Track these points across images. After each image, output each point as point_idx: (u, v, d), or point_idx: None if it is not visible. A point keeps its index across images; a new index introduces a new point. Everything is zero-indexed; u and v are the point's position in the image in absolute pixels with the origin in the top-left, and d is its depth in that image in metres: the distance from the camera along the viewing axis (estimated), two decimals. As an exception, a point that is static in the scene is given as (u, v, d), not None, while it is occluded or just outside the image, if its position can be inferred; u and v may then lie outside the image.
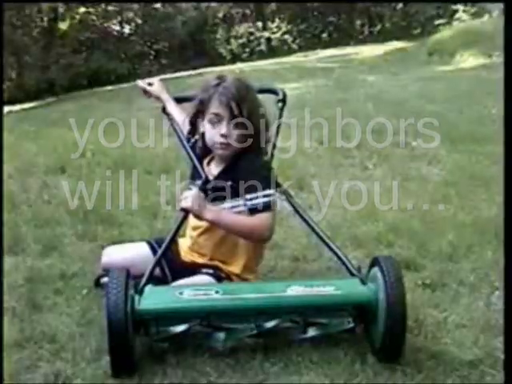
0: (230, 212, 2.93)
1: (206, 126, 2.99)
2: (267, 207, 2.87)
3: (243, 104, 2.91)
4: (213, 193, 2.99)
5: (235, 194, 2.95)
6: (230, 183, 2.96)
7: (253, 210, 2.88)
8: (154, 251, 3.10)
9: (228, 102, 2.90)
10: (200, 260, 3.09)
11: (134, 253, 3.19)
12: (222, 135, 2.92)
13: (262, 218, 2.86)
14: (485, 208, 4.44)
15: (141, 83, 3.59)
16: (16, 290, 3.32)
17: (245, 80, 3.09)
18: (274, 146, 3.21)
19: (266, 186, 2.90)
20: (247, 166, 2.96)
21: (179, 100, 3.54)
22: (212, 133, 2.96)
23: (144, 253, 3.16)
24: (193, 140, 3.18)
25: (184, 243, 3.20)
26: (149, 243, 3.21)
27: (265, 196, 2.87)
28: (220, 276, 2.98)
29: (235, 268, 3.03)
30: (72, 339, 2.83)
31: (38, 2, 20.94)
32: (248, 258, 3.04)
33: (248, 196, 2.89)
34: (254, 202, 2.87)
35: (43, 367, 2.64)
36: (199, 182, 3.04)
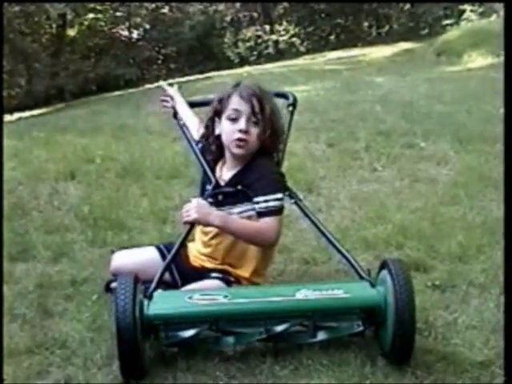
0: (238, 217, 2.94)
1: (223, 124, 2.98)
2: (276, 211, 2.88)
3: (265, 102, 2.93)
4: (223, 198, 3.00)
5: (246, 199, 2.95)
6: (240, 187, 2.96)
7: (261, 214, 2.88)
8: (163, 256, 3.12)
9: (249, 98, 2.91)
10: (209, 264, 3.09)
11: (143, 258, 3.19)
12: (241, 130, 2.91)
13: (269, 222, 2.86)
14: (494, 208, 4.43)
15: (163, 83, 3.63)
16: (26, 296, 3.34)
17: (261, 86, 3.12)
18: (284, 151, 3.22)
19: (276, 191, 2.90)
20: (258, 170, 2.96)
21: (193, 104, 3.55)
22: (230, 129, 2.94)
23: (153, 258, 3.16)
24: (200, 145, 3.20)
25: (193, 248, 3.20)
26: (158, 248, 3.22)
27: (274, 200, 2.88)
28: (229, 280, 2.98)
29: (245, 272, 3.03)
30: (83, 345, 2.84)
31: (39, 2, 20.91)
32: (258, 261, 3.04)
33: (257, 199, 2.89)
34: (263, 205, 2.87)
35: (54, 373, 2.66)
36: (209, 187, 3.05)
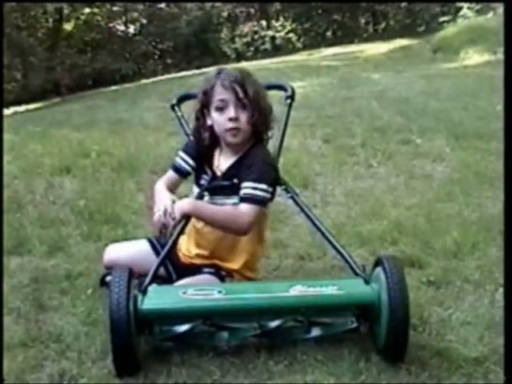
0: (231, 207, 2.93)
1: (213, 116, 2.98)
2: (256, 200, 2.86)
3: (247, 85, 2.92)
4: (219, 188, 3.01)
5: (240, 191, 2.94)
6: (236, 181, 2.95)
7: (242, 199, 2.87)
8: (155, 249, 3.14)
9: (232, 86, 2.91)
10: (198, 261, 3.10)
11: (136, 251, 3.20)
12: (231, 119, 2.91)
13: (245, 209, 2.85)
14: (490, 205, 4.44)
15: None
16: (21, 290, 3.33)
17: (244, 68, 3.13)
18: (281, 145, 3.22)
19: (263, 181, 2.89)
20: (251, 160, 2.96)
21: (185, 98, 3.53)
22: (221, 120, 2.95)
23: (145, 251, 3.17)
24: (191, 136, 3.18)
25: (183, 244, 3.19)
26: (149, 241, 3.23)
27: (258, 189, 2.87)
28: (221, 275, 3.00)
29: (235, 264, 3.04)
30: (77, 339, 2.84)
31: (39, 2, 20.94)
32: (248, 255, 3.05)
33: (242, 185, 2.89)
34: (246, 191, 2.87)
35: (49, 367, 2.65)
36: (206, 177, 3.07)
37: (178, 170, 3.18)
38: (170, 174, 3.21)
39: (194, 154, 3.14)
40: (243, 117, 2.93)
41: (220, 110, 2.94)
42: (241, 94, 2.91)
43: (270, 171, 2.99)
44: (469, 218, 4.21)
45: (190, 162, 3.14)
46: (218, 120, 2.96)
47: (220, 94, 2.93)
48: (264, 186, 2.88)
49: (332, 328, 2.76)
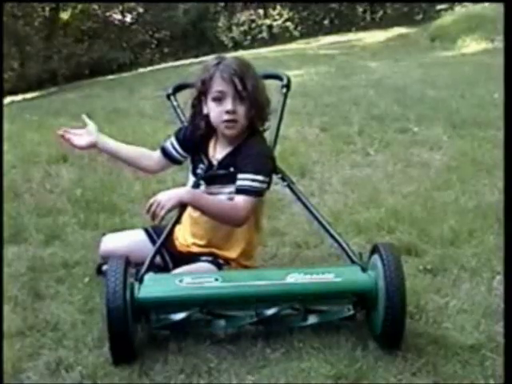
0: (227, 197, 2.94)
1: (210, 106, 2.95)
2: (252, 192, 2.86)
3: (246, 79, 2.89)
4: (215, 178, 3.01)
5: (236, 180, 2.94)
6: (232, 170, 2.95)
7: (238, 191, 2.87)
8: (151, 238, 3.14)
9: (231, 78, 2.88)
10: (196, 249, 3.10)
11: (131, 240, 3.21)
12: (228, 111, 2.90)
13: (242, 201, 2.85)
14: (487, 193, 4.43)
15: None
16: (18, 278, 3.34)
17: (244, 58, 3.09)
18: (278, 134, 3.22)
19: (259, 172, 2.89)
20: (248, 150, 2.95)
21: (181, 87, 3.52)
22: (217, 111, 2.93)
23: (141, 240, 3.18)
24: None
25: (179, 232, 3.20)
26: (146, 230, 3.23)
27: (255, 181, 2.87)
28: (219, 263, 2.99)
29: (232, 253, 3.04)
30: (74, 327, 2.85)
31: (39, 2, 20.95)
32: (245, 243, 3.05)
33: (239, 176, 2.88)
34: (242, 182, 2.87)
35: (45, 355, 2.66)
36: (202, 166, 3.05)
37: (165, 153, 3.21)
38: (156, 153, 3.29)
39: (186, 143, 3.14)
40: (240, 110, 2.91)
41: (217, 100, 2.92)
42: (239, 87, 2.88)
43: (267, 162, 2.99)
44: (466, 206, 4.21)
45: (179, 149, 3.17)
46: (215, 111, 2.94)
47: (219, 85, 2.90)
48: (261, 178, 2.88)
49: (329, 315, 2.76)
